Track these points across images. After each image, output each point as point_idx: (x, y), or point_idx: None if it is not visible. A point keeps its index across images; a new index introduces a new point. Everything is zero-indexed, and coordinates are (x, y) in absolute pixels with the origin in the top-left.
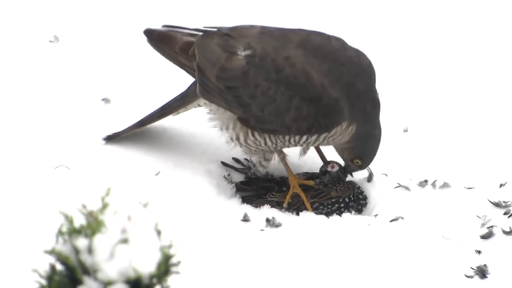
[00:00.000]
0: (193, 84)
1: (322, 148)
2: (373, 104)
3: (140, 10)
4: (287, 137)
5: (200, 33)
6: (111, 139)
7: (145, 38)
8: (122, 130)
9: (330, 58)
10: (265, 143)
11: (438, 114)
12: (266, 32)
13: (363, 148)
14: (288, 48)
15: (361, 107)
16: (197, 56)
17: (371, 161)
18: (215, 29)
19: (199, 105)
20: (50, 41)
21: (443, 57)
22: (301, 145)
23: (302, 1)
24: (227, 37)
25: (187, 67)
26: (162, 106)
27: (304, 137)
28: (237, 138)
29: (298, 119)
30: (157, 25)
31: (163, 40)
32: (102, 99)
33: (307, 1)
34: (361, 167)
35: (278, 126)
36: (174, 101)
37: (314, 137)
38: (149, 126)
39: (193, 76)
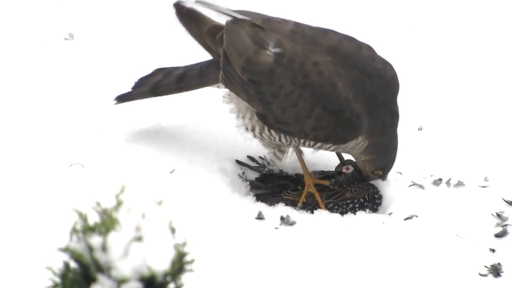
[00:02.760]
0: (213, 65)
1: None
2: (392, 116)
3: (155, 8)
4: (302, 140)
5: (231, 17)
6: (122, 100)
7: (159, 38)
8: (135, 93)
9: (357, 68)
10: (280, 140)
11: (452, 112)
12: (298, 31)
13: (384, 159)
14: (318, 52)
15: (379, 119)
16: (224, 42)
17: (390, 169)
18: (247, 17)
19: (219, 87)
20: (65, 39)
21: (457, 54)
22: (314, 149)
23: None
24: (259, 28)
25: (212, 51)
26: (179, 76)
27: (319, 144)
28: (252, 129)
29: (317, 127)
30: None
31: (192, 18)
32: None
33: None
34: (381, 177)
35: (296, 130)
36: (193, 76)
37: (328, 145)
38: (172, 124)
39: (217, 61)
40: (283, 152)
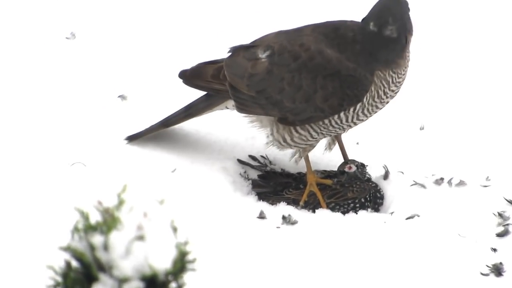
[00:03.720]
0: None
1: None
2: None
3: (156, 7)
4: (326, 121)
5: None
6: (133, 139)
7: (161, 37)
8: (145, 130)
9: (339, 32)
10: (311, 136)
11: (454, 112)
12: (282, 32)
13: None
14: (302, 36)
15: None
16: (227, 76)
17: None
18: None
19: (227, 107)
20: (66, 38)
21: (459, 54)
22: (345, 127)
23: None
24: (250, 46)
25: (221, 91)
26: (187, 106)
27: (342, 115)
28: (284, 140)
29: (327, 97)
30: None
31: (195, 76)
32: (119, 96)
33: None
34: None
35: (312, 111)
36: (199, 102)
37: (351, 113)
38: (174, 127)
39: (228, 96)
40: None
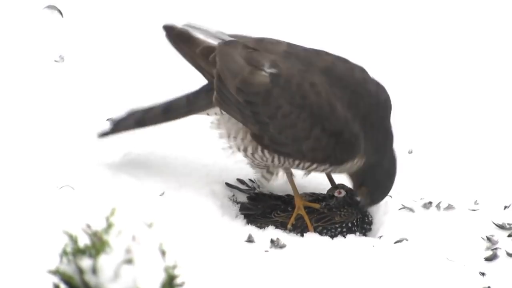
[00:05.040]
0: (204, 91)
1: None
2: (385, 136)
3: (145, 31)
4: (297, 162)
5: (222, 40)
6: (105, 135)
7: (149, 61)
8: (119, 127)
9: (351, 89)
10: (272, 161)
11: (442, 136)
12: (292, 52)
13: (369, 177)
14: (313, 73)
15: (372, 138)
16: (218, 64)
17: (379, 194)
18: (238, 38)
19: (208, 114)
20: (55, 61)
21: (447, 79)
22: (308, 171)
23: (314, 18)
24: (252, 50)
25: (205, 72)
26: (165, 107)
27: (315, 165)
28: (244, 150)
29: (316, 148)
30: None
31: (183, 39)
32: (107, 119)
33: (318, 19)
34: (367, 200)
35: (293, 151)
36: (179, 106)
37: (323, 167)
38: (162, 147)
39: (210, 81)
40: (271, 173)
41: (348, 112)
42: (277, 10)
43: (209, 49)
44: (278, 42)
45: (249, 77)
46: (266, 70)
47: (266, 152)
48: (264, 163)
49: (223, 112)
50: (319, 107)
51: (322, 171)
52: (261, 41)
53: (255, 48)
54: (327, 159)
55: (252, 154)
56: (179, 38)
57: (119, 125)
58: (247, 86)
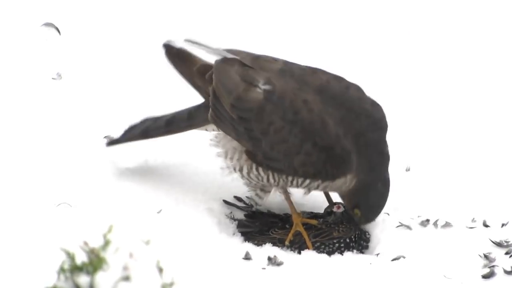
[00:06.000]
0: (202, 108)
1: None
2: (381, 156)
3: (144, 48)
4: (290, 178)
5: (220, 56)
6: (113, 144)
7: (148, 76)
8: (126, 137)
9: (345, 107)
10: (268, 180)
11: (440, 153)
12: (287, 70)
13: (362, 198)
14: (307, 91)
15: (366, 157)
16: (214, 81)
17: (373, 214)
18: (236, 56)
19: (207, 130)
20: (53, 78)
21: (443, 97)
22: (302, 188)
23: (311, 35)
24: (248, 67)
25: (202, 90)
26: (168, 120)
27: (307, 181)
28: (240, 170)
29: (306, 163)
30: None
31: (181, 58)
32: (105, 137)
33: (317, 36)
34: (361, 220)
35: (285, 166)
36: (181, 120)
37: (317, 183)
38: (160, 164)
39: (206, 99)
40: (265, 192)
41: (340, 129)
42: (276, 26)
43: (206, 67)
44: (274, 60)
45: (243, 94)
46: (260, 87)
47: (260, 170)
48: (261, 183)
49: (219, 131)
50: (310, 123)
51: (317, 187)
52: (257, 58)
53: (251, 66)
54: (318, 174)
55: (248, 173)
56: (177, 57)
57: (128, 133)
58: (241, 103)
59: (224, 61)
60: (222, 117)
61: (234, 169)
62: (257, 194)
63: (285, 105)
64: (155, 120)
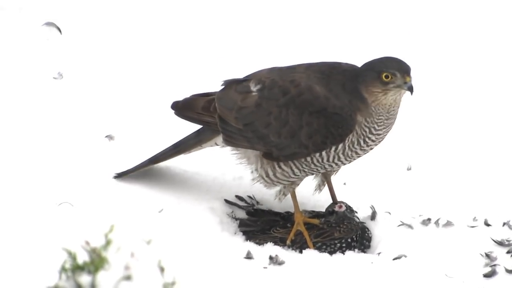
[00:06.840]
0: (211, 127)
1: (335, 190)
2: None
3: (143, 48)
4: (309, 159)
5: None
6: (122, 176)
7: (148, 78)
8: (134, 167)
9: (332, 72)
10: (293, 172)
11: (441, 152)
12: (276, 68)
13: None
14: (294, 74)
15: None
16: (217, 108)
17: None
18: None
19: (216, 144)
20: (54, 78)
21: (444, 97)
22: (327, 167)
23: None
24: (244, 81)
25: (211, 123)
26: (176, 143)
27: (324, 154)
28: (267, 175)
29: (311, 133)
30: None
31: (187, 107)
32: (106, 136)
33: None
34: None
35: (296, 147)
36: (189, 139)
37: (333, 152)
38: (162, 164)
39: (216, 129)
40: (292, 186)
41: (328, 92)
42: (276, 26)
43: (209, 102)
44: (265, 68)
45: (242, 103)
46: (253, 89)
47: (282, 165)
48: (290, 179)
49: (238, 149)
50: (299, 95)
51: (340, 159)
52: (253, 72)
53: (248, 78)
54: (326, 139)
55: (274, 175)
56: (184, 107)
57: (133, 168)
58: (242, 110)
59: (223, 89)
60: (232, 133)
61: (263, 178)
62: (282, 191)
63: (275, 93)
64: (161, 152)
